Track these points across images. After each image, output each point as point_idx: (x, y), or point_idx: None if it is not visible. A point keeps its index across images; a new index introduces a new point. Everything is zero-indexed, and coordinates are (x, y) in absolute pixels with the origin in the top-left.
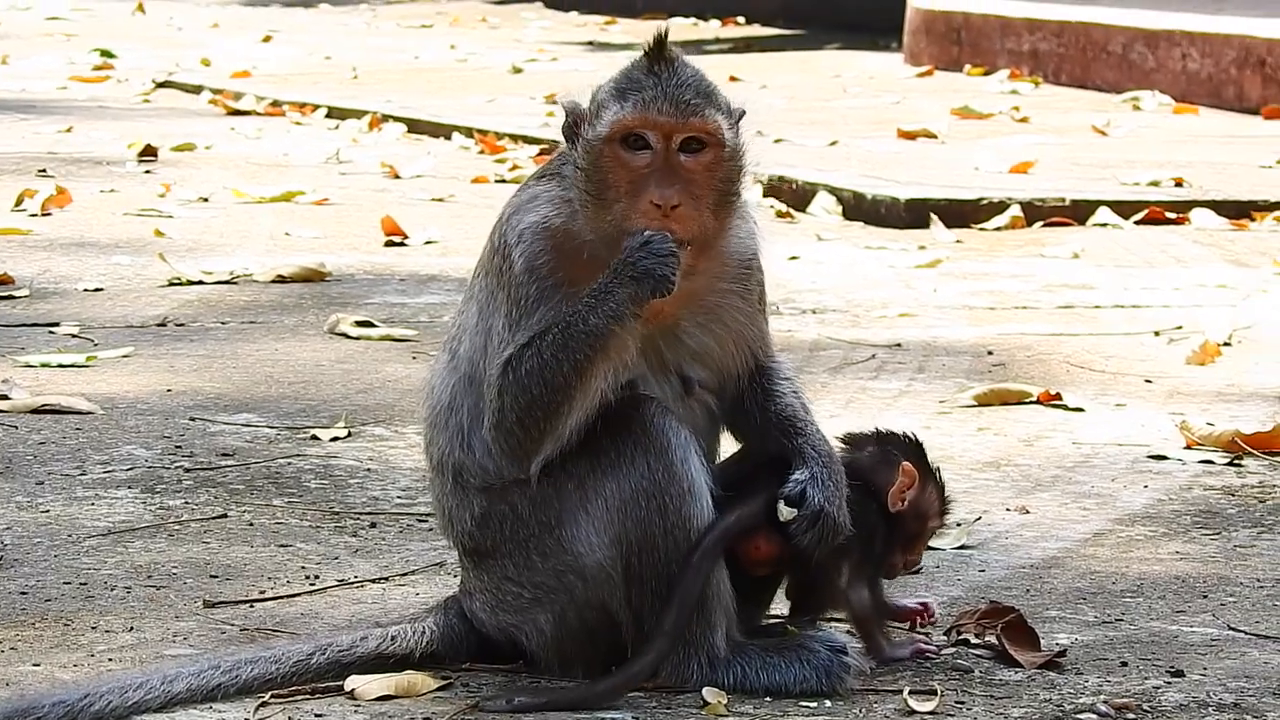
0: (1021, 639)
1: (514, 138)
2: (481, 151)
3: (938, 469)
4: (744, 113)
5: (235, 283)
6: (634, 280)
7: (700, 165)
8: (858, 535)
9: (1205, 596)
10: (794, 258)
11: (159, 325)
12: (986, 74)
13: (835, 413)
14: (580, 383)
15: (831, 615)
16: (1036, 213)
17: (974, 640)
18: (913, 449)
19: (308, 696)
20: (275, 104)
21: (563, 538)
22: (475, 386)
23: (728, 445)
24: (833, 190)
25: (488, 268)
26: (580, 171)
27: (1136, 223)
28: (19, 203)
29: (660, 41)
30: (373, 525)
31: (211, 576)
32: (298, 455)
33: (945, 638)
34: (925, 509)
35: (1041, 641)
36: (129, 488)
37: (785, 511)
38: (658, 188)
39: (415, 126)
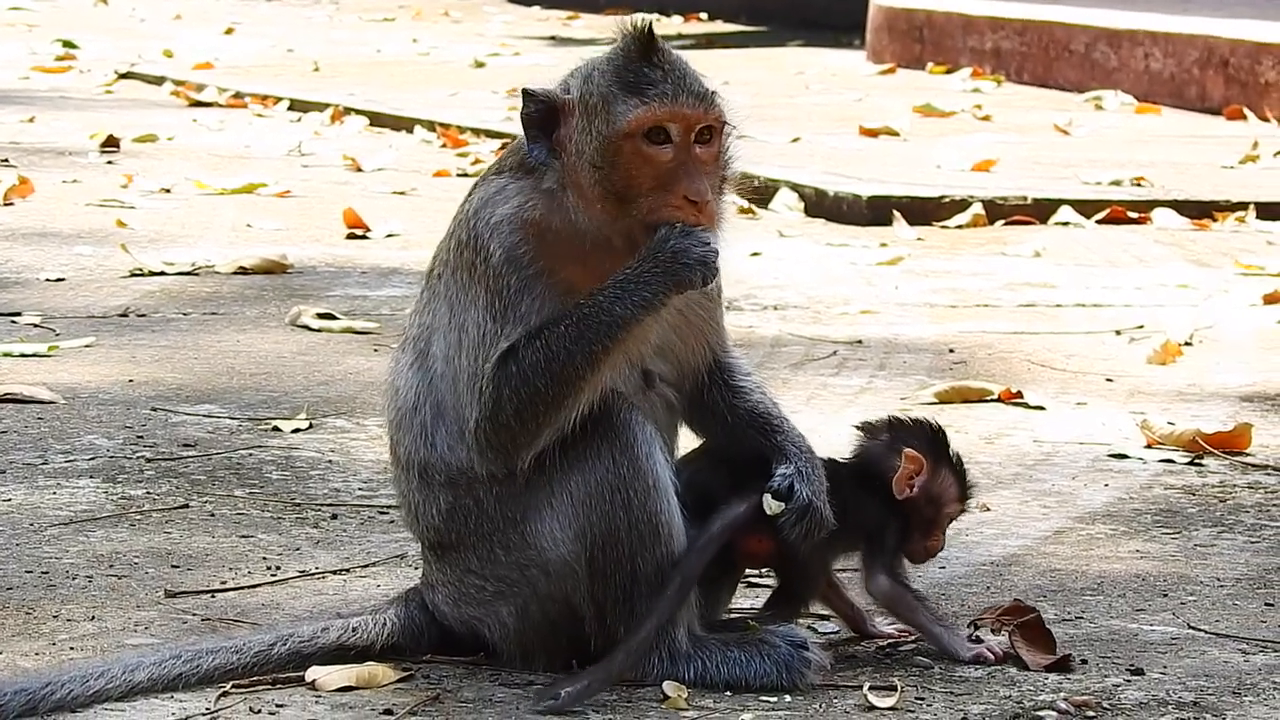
0: (1036, 640)
1: (476, 131)
2: (444, 145)
3: (957, 455)
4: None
5: (197, 274)
6: (684, 267)
7: (711, 154)
8: (866, 526)
9: (1165, 595)
10: (756, 254)
11: (121, 316)
12: (949, 72)
13: (796, 409)
14: (592, 374)
15: (814, 613)
16: (998, 211)
17: (992, 636)
18: (927, 435)
19: (269, 687)
20: (237, 96)
21: (526, 532)
22: (445, 384)
23: (685, 440)
24: (795, 187)
25: (456, 264)
26: (593, 168)
27: (1098, 222)
28: None
29: (651, 32)
30: (334, 517)
31: (173, 566)
32: (259, 446)
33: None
34: (940, 494)
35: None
36: (90, 477)
37: (773, 505)
38: (690, 181)
39: (377, 120)
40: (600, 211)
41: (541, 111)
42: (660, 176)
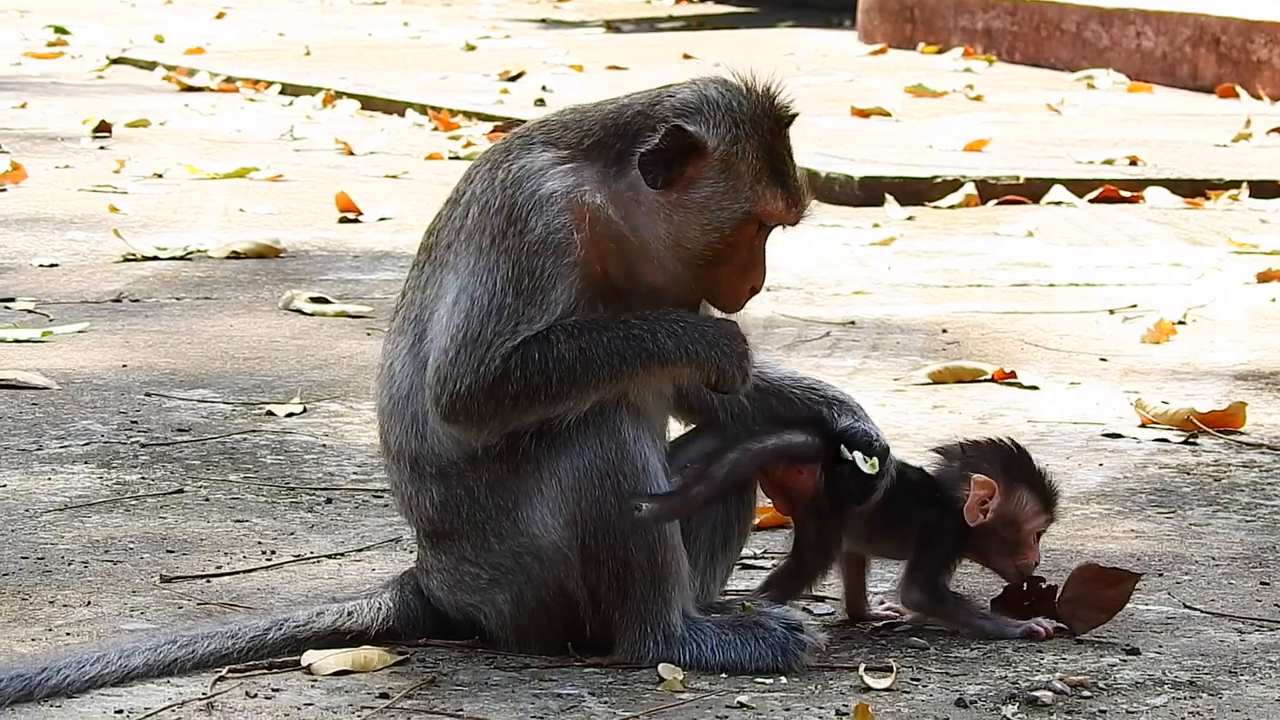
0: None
1: (468, 115)
2: (435, 128)
3: (1037, 471)
4: None
5: (190, 259)
6: (736, 367)
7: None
8: (918, 538)
9: (1161, 575)
10: None
11: (114, 301)
12: (940, 52)
13: None
14: (604, 390)
15: (810, 595)
16: (991, 191)
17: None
18: (1000, 457)
19: (265, 671)
20: (229, 80)
21: (519, 519)
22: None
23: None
24: None
25: (474, 229)
26: (712, 223)
27: (1091, 201)
28: None
29: (793, 116)
30: (328, 501)
31: (168, 551)
32: (253, 431)
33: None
34: (1017, 515)
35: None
36: (85, 463)
37: (870, 463)
38: (760, 273)
39: (369, 103)
40: (678, 259)
41: (680, 149)
42: (746, 258)
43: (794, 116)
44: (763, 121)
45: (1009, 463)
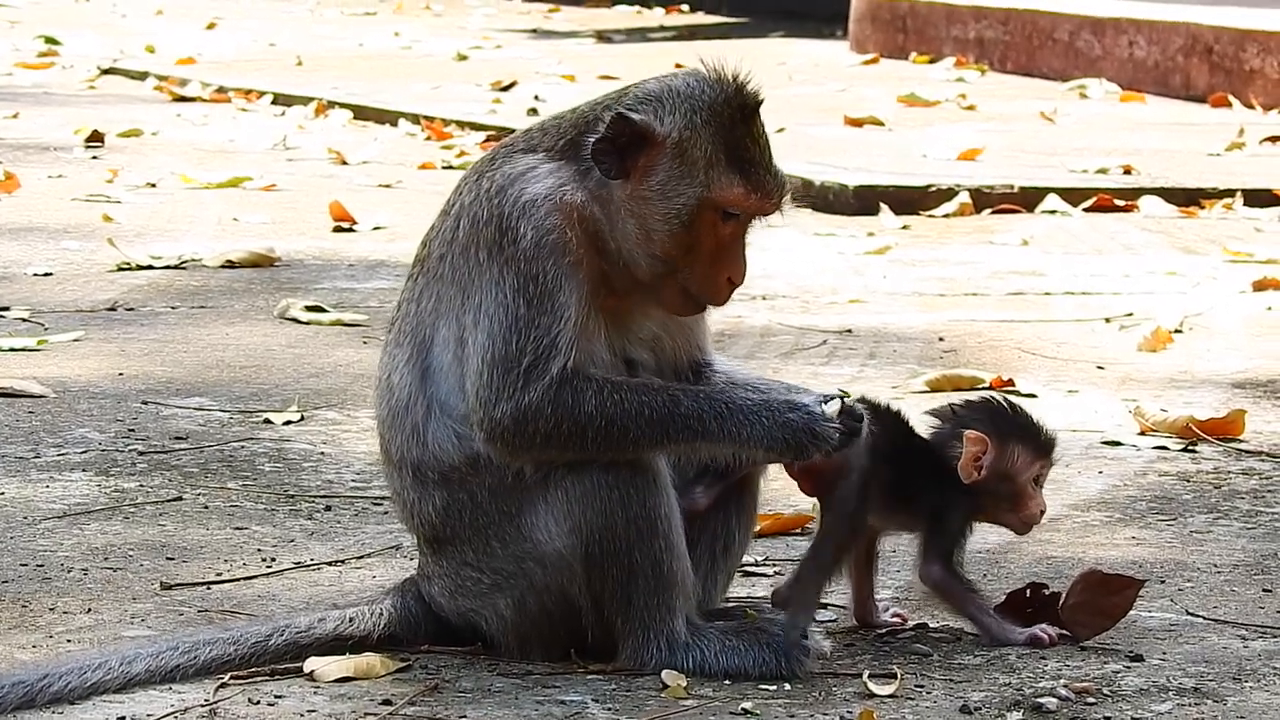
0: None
1: (460, 124)
2: (428, 138)
3: (1025, 421)
4: None
5: (184, 268)
6: (810, 438)
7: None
8: (928, 508)
9: (1162, 582)
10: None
11: (109, 310)
12: (932, 62)
13: None
14: (639, 453)
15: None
16: (985, 200)
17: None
18: (987, 413)
19: (267, 678)
20: (221, 90)
21: (522, 525)
22: (446, 375)
23: None
24: None
25: (468, 242)
26: (669, 214)
27: (1085, 210)
28: None
29: (759, 102)
30: (328, 508)
31: (168, 559)
32: (251, 439)
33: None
34: (1011, 467)
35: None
36: (83, 470)
37: (833, 405)
38: (738, 265)
39: (361, 113)
40: (648, 254)
41: (629, 137)
42: (715, 248)
43: (759, 104)
44: (723, 109)
45: (998, 417)
